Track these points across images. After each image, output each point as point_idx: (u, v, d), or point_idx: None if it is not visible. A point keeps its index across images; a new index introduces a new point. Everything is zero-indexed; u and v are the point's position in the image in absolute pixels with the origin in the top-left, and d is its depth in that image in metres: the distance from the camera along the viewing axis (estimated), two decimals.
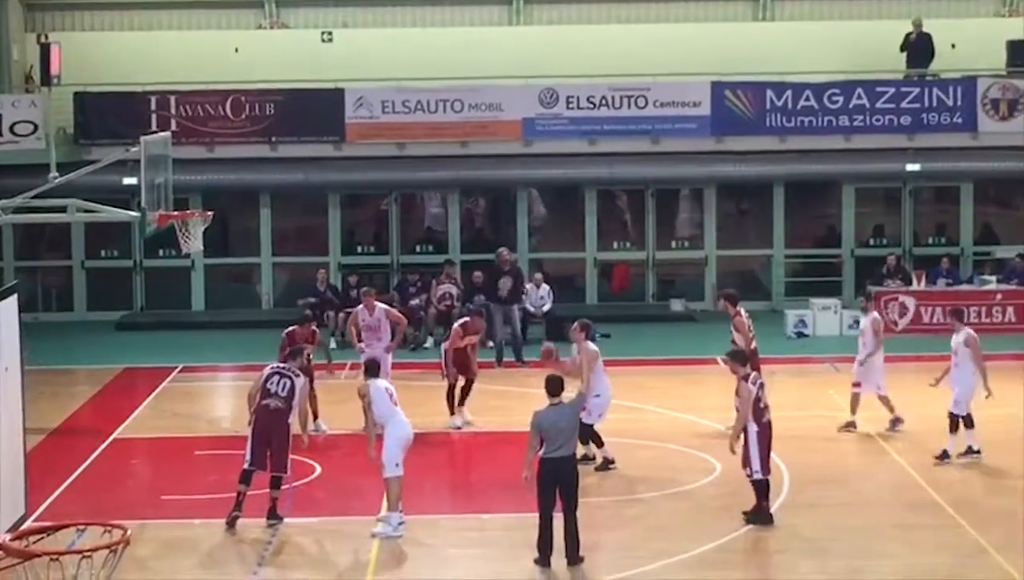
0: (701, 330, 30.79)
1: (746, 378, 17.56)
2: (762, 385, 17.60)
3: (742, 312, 21.61)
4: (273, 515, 17.80)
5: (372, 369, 18.09)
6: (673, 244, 33.98)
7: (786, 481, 19.03)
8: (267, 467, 17.79)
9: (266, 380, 18.06)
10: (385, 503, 17.45)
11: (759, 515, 17.39)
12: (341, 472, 20.29)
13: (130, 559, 13.90)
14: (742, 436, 17.45)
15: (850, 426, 21.90)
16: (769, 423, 17.51)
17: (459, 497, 18.77)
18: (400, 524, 17.21)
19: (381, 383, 17.87)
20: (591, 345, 19.72)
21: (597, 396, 19.55)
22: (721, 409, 21.53)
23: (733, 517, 17.71)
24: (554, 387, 16.24)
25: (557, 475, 15.99)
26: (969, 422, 20.36)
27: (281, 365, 18.39)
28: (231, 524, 17.59)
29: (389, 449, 17.41)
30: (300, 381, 18.09)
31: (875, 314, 22.61)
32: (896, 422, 21.95)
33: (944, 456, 20.22)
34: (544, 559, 16.04)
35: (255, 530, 17.75)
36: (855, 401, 22.07)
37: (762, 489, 17.46)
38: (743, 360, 17.91)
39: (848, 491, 18.99)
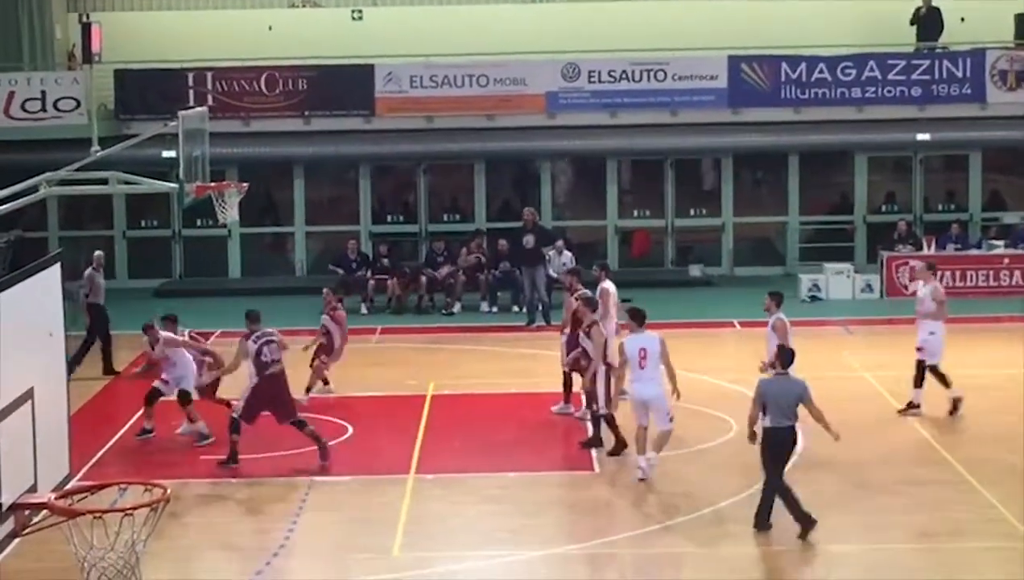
0: (718, 294, 30.76)
1: (595, 323, 18.55)
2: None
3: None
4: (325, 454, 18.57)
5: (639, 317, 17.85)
6: (691, 211, 33.87)
7: (800, 439, 18.93)
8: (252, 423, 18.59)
9: (258, 354, 18.44)
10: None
11: (593, 441, 18.77)
12: (372, 433, 20.30)
13: (170, 516, 13.95)
14: (598, 375, 18.53)
15: (914, 407, 20.64)
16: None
17: (484, 456, 18.75)
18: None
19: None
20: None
21: None
22: (738, 370, 21.48)
23: (749, 475, 17.67)
24: (787, 358, 15.87)
25: (783, 445, 15.61)
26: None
27: (261, 334, 18.71)
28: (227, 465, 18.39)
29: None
30: (277, 336, 18.82)
31: (936, 284, 21.09)
32: (956, 404, 20.48)
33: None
34: (808, 521, 15.45)
35: (291, 487, 17.80)
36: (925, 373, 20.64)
37: (603, 422, 18.58)
38: (594, 306, 18.77)
39: (860, 450, 18.91)
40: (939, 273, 21.36)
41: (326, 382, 22.10)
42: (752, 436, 15.66)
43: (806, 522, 15.41)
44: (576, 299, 19.66)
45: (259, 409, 18.54)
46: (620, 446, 18.56)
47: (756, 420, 15.59)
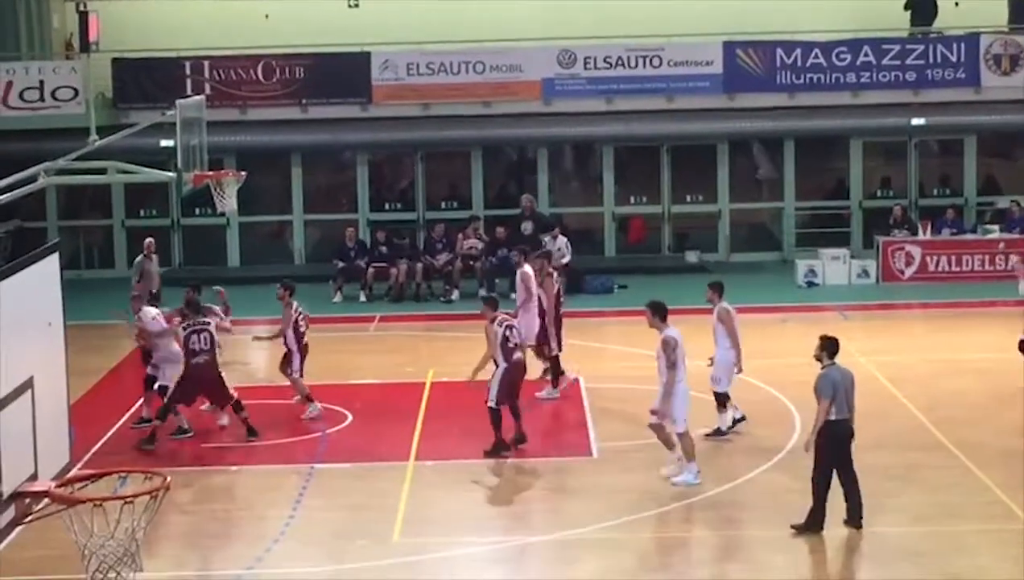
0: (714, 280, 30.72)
1: (493, 321, 18.25)
2: (510, 327, 18.36)
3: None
4: (251, 432, 19.11)
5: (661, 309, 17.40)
6: (688, 198, 33.84)
7: (797, 425, 18.98)
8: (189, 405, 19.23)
9: (187, 342, 18.86)
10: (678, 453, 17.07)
11: (497, 447, 18.15)
12: (371, 420, 20.28)
13: (170, 504, 13.93)
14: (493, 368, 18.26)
15: None
16: (518, 363, 18.28)
17: (483, 443, 18.71)
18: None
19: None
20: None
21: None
22: None
23: (747, 460, 17.69)
24: (834, 348, 15.44)
25: (845, 439, 15.18)
26: (725, 400, 19.03)
27: (193, 323, 19.04)
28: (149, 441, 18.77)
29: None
30: (213, 324, 19.23)
31: None
32: None
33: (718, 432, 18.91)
34: (816, 526, 15.13)
35: (291, 475, 17.81)
36: None
37: (495, 419, 18.07)
38: (494, 306, 18.51)
39: (858, 434, 18.86)
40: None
41: (309, 398, 20.38)
42: (813, 438, 15.13)
43: (816, 524, 15.18)
44: (481, 299, 19.93)
45: (192, 394, 19.16)
46: (500, 447, 18.23)
47: (828, 414, 15.05)
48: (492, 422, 18.13)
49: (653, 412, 16.91)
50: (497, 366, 18.29)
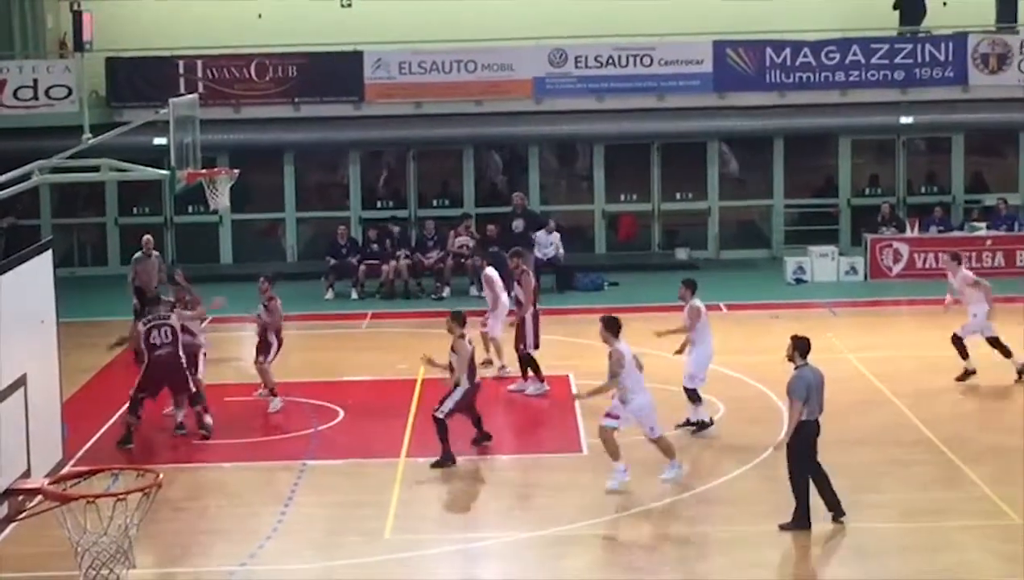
0: (704, 277, 30.41)
1: (463, 337, 17.87)
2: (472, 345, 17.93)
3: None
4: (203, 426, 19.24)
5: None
6: (678, 195, 33.86)
7: (785, 421, 18.95)
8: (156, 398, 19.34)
9: (147, 336, 18.99)
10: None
11: (444, 458, 17.66)
12: (363, 417, 20.29)
13: (163, 501, 13.94)
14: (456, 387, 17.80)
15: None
16: (479, 385, 18.07)
17: (469, 440, 18.73)
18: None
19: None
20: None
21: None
22: (724, 353, 21.44)
23: (735, 455, 17.72)
24: (805, 348, 15.38)
25: (815, 438, 15.18)
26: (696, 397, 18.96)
27: (152, 318, 19.20)
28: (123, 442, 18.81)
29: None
30: (174, 318, 19.29)
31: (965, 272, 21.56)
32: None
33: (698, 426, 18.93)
34: (804, 522, 15.14)
35: (283, 472, 17.81)
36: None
37: (442, 430, 17.62)
38: (461, 321, 18.06)
39: (844, 429, 18.95)
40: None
41: (274, 392, 20.50)
42: (790, 432, 15.16)
43: (803, 520, 15.18)
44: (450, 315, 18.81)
45: (156, 387, 19.22)
46: (447, 458, 17.76)
47: (800, 415, 15.04)
48: (439, 434, 17.70)
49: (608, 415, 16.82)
50: (459, 384, 17.85)
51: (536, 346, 21.16)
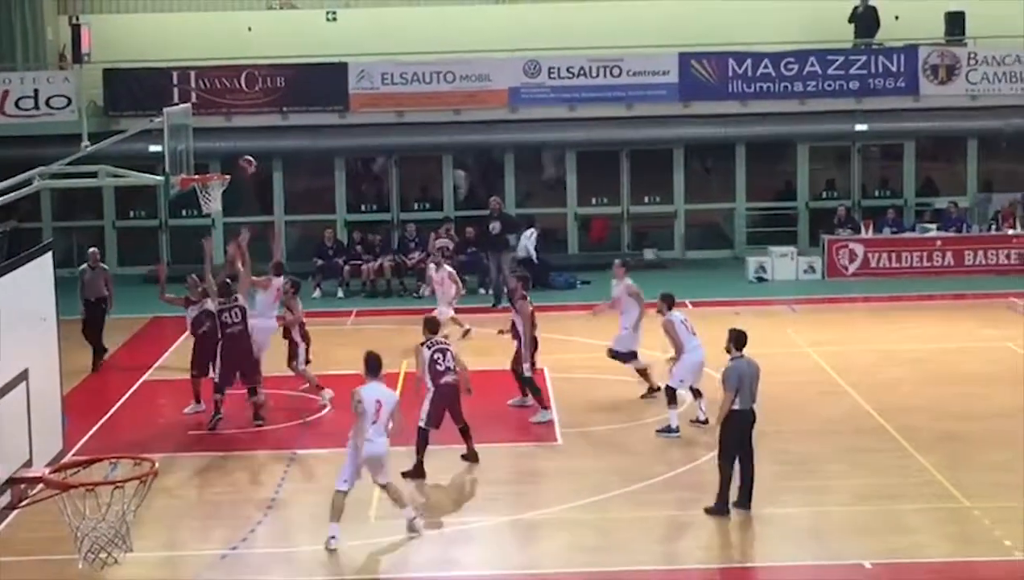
0: (671, 276, 30.65)
1: (424, 343, 17.10)
2: (441, 351, 17.09)
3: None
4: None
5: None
6: (646, 199, 33.90)
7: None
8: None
9: (219, 316, 19.24)
10: None
11: (416, 470, 16.89)
12: (348, 408, 20.12)
13: (160, 489, 13.91)
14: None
15: None
16: (447, 386, 17.00)
17: (455, 429, 18.71)
18: None
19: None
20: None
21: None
22: None
23: (700, 446, 17.74)
24: (742, 340, 15.38)
25: (746, 427, 15.19)
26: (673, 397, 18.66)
27: (227, 300, 19.39)
28: (213, 429, 18.96)
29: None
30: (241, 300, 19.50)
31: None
32: None
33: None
34: (724, 507, 15.15)
35: (273, 461, 17.78)
36: None
37: (420, 440, 16.93)
38: (434, 328, 17.40)
39: (804, 420, 19.02)
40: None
41: (319, 387, 20.43)
42: (720, 420, 15.17)
43: (724, 504, 15.15)
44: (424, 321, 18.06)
45: (226, 368, 19.19)
46: (417, 472, 16.98)
47: (732, 404, 15.05)
48: (417, 444, 17.05)
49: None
50: (428, 390, 17.30)
51: (533, 370, 19.68)
